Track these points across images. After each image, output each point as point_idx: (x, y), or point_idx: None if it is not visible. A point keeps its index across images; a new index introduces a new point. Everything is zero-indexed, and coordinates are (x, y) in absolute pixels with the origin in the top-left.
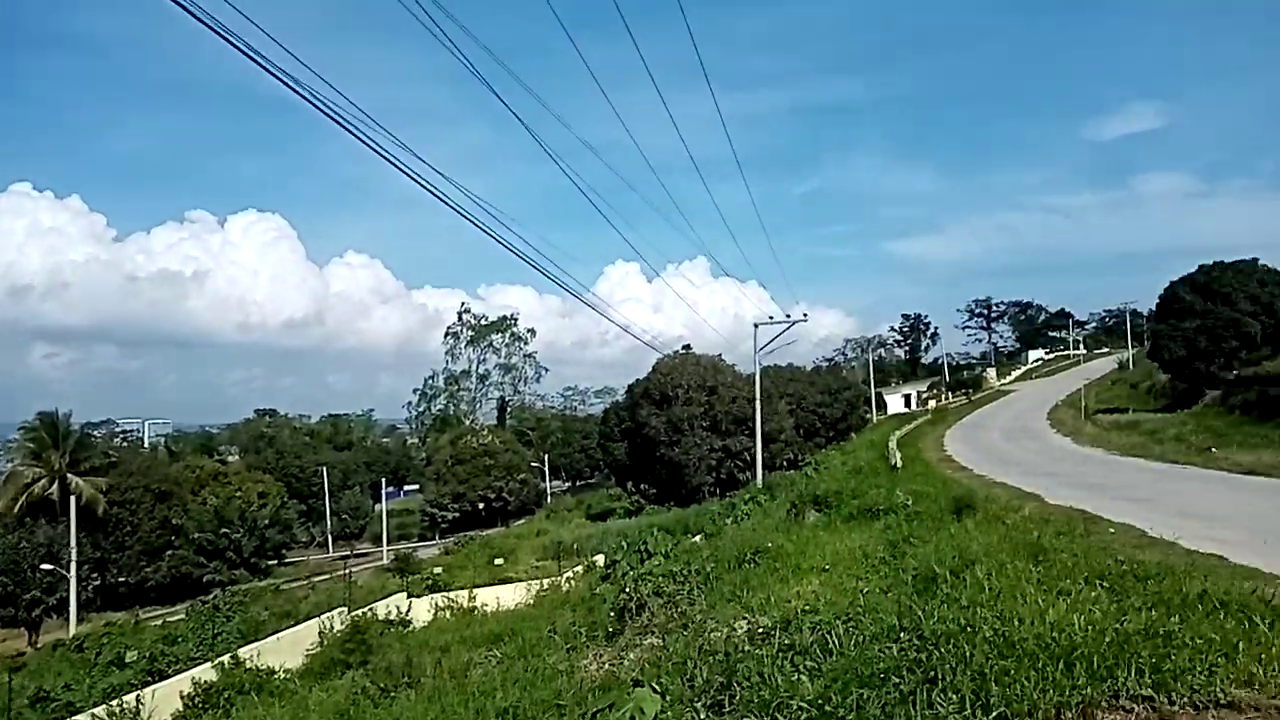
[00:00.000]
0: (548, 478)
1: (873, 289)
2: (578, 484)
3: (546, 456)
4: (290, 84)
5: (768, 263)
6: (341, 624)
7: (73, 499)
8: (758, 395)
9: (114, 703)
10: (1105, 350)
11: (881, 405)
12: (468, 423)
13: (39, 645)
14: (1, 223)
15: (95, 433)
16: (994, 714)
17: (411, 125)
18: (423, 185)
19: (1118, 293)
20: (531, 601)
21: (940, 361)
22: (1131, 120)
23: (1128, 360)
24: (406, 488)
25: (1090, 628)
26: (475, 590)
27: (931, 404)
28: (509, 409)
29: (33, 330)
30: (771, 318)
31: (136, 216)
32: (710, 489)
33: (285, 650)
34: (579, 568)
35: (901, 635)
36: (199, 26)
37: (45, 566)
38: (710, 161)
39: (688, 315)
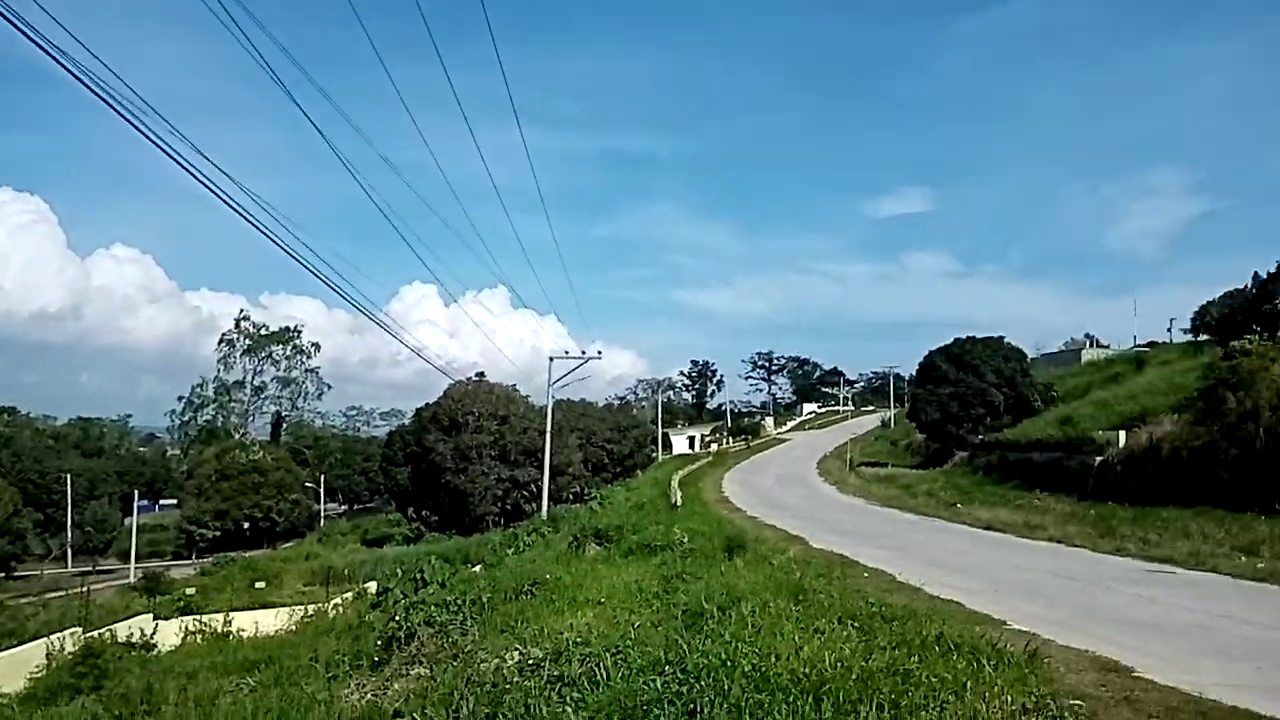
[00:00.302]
0: (323, 499)
1: (665, 334)
2: (355, 508)
3: (323, 477)
4: (52, 54)
5: (566, 299)
6: (74, 645)
7: None
8: (549, 427)
9: None
10: (871, 408)
11: (667, 445)
12: (237, 436)
13: None
14: None
15: None
16: None
17: (197, 116)
18: (201, 181)
19: (884, 356)
20: (294, 628)
21: (724, 407)
22: (903, 202)
23: (889, 419)
24: (163, 502)
25: (840, 664)
26: (232, 614)
27: (714, 447)
28: (285, 425)
29: None
30: (567, 352)
31: None
32: (495, 519)
33: (3, 672)
34: (349, 594)
35: (667, 668)
36: None
37: None
38: (515, 193)
39: (484, 343)
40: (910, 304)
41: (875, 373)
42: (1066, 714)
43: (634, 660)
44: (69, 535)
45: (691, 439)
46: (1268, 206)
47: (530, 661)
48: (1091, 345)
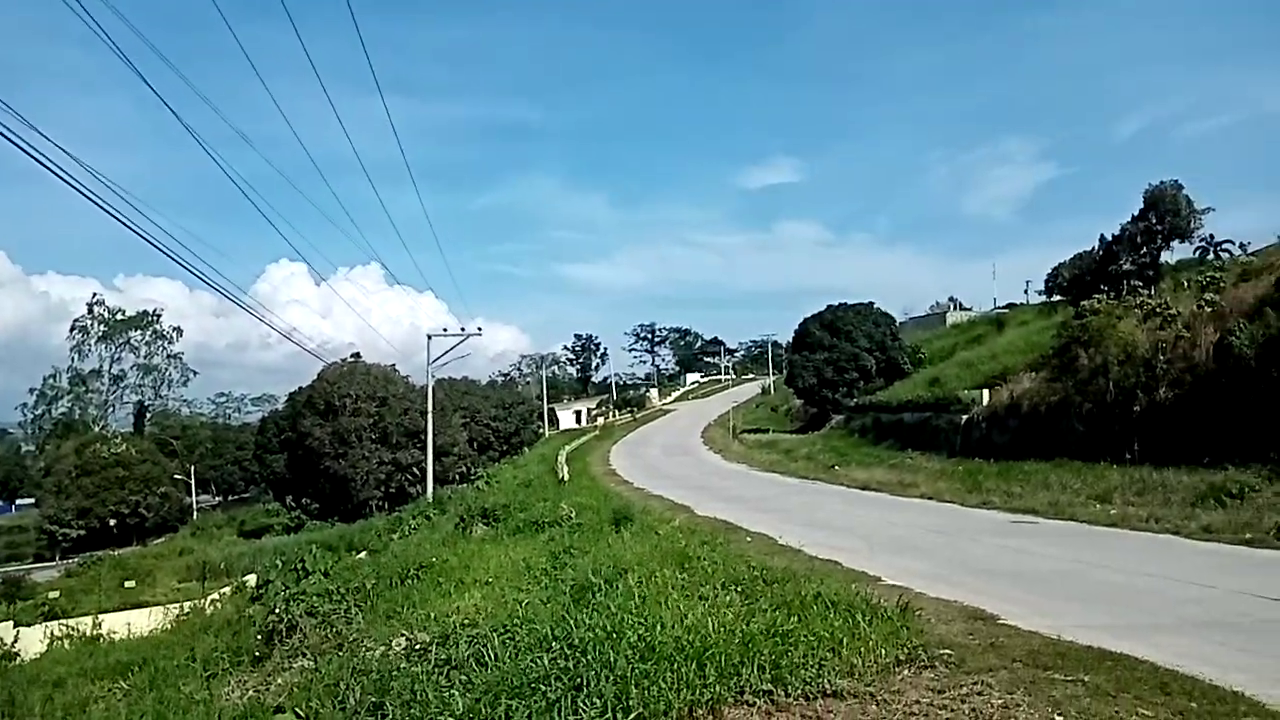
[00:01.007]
0: (194, 491)
1: (547, 308)
2: (230, 498)
3: (194, 468)
4: None
5: (443, 275)
6: None
7: None
8: (430, 407)
9: None
10: (751, 376)
11: (554, 421)
12: (97, 429)
13: None
14: None
15: None
16: (633, 715)
17: (32, 86)
18: (33, 157)
19: (763, 324)
20: (170, 627)
21: (609, 380)
22: (775, 172)
23: (769, 386)
24: (19, 501)
25: (722, 629)
26: (101, 616)
27: (600, 420)
28: (149, 415)
29: None
30: (446, 330)
31: None
32: (379, 503)
33: None
34: (227, 589)
35: (554, 644)
36: None
37: None
38: (385, 166)
39: (359, 323)
40: (786, 273)
41: (755, 341)
42: (937, 663)
43: (521, 639)
44: None
45: (578, 413)
46: (1111, 172)
47: (417, 646)
48: (955, 308)
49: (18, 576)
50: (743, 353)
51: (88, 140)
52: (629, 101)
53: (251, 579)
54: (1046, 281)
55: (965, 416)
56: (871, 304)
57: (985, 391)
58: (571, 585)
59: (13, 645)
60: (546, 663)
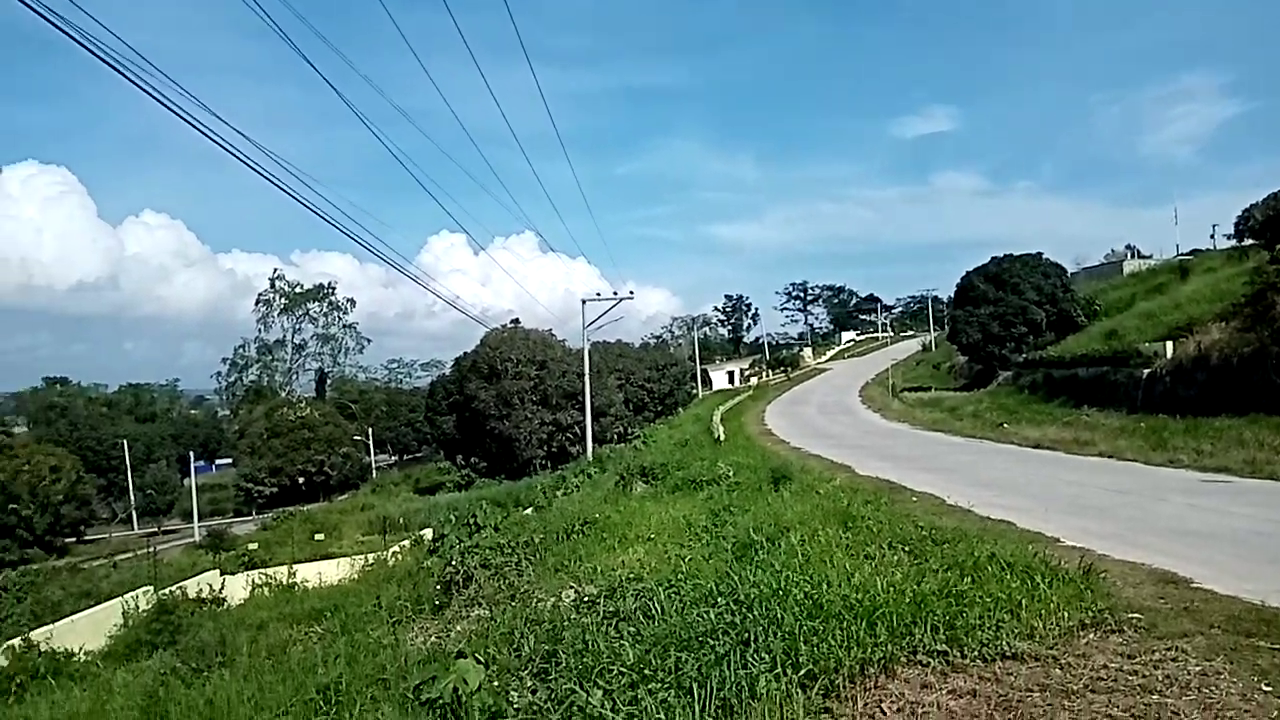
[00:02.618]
0: (372, 451)
1: (697, 269)
2: (404, 458)
3: (371, 430)
4: (56, 23)
5: (595, 241)
6: (147, 603)
7: None
8: (587, 370)
9: None
10: (910, 333)
11: (706, 381)
12: (283, 394)
13: None
14: None
15: None
16: (803, 671)
17: (210, 79)
18: (215, 140)
19: (921, 280)
20: (356, 577)
21: (761, 340)
22: (929, 121)
23: (930, 343)
24: (219, 461)
25: (892, 589)
26: (295, 566)
27: (753, 381)
28: (329, 381)
29: None
30: (599, 294)
31: None
32: (541, 462)
33: (85, 632)
34: (406, 542)
35: (719, 600)
36: None
37: None
38: (534, 137)
39: (516, 290)
40: (943, 225)
41: (913, 297)
42: (1125, 627)
43: (687, 593)
44: (132, 498)
45: (730, 374)
46: None
47: (585, 598)
48: (1133, 256)
49: (221, 530)
50: (900, 309)
51: (262, 125)
52: (773, 57)
53: (428, 533)
54: (1237, 225)
55: (1147, 370)
56: (1040, 255)
57: (1169, 344)
58: (733, 543)
59: (221, 591)
60: (713, 617)
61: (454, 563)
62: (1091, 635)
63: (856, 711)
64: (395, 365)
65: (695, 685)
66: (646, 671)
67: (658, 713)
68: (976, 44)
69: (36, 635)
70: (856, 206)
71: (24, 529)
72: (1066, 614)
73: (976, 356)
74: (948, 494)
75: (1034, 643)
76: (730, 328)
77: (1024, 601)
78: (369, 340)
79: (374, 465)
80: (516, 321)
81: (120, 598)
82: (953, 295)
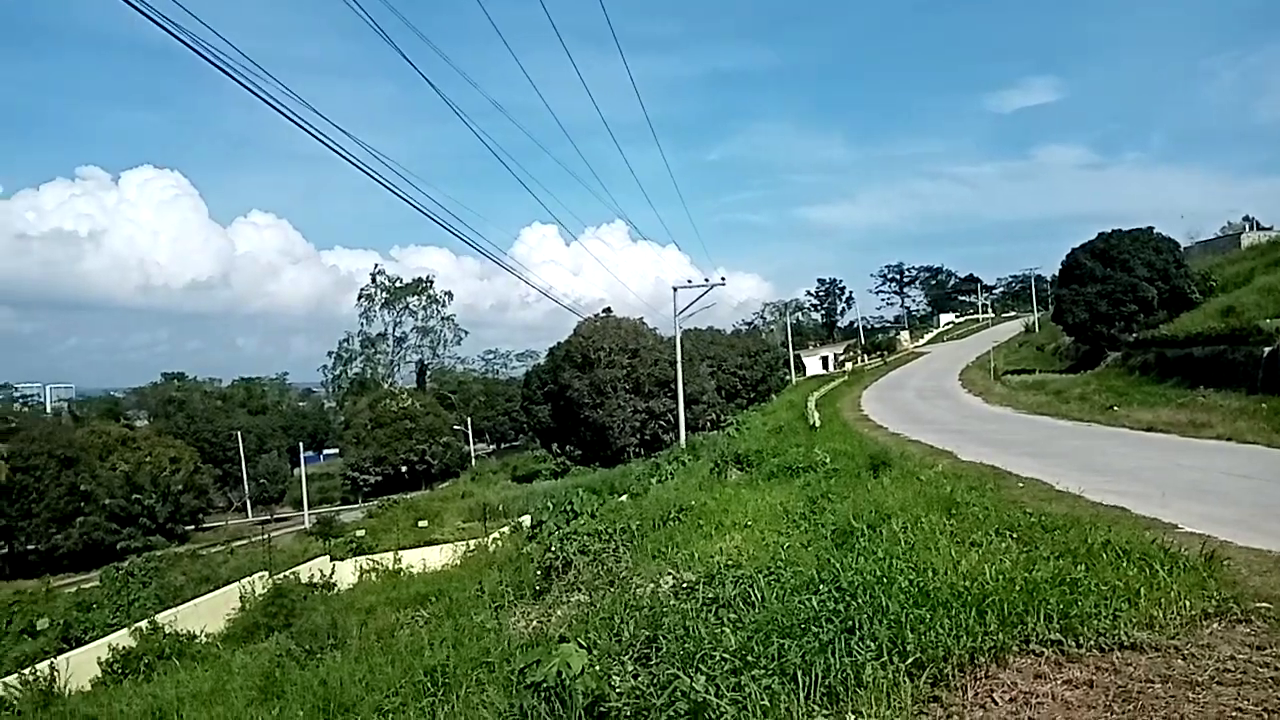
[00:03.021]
0: (471, 440)
1: (788, 254)
2: (502, 446)
3: (469, 419)
4: (169, 28)
5: (685, 227)
6: (263, 588)
7: None
8: (679, 358)
9: (27, 670)
10: (1012, 314)
11: (800, 367)
12: (386, 386)
13: None
14: None
15: None
16: (910, 659)
17: (313, 79)
18: (320, 139)
19: (1022, 259)
20: (458, 562)
21: (856, 324)
22: (1029, 94)
23: (1033, 323)
24: (326, 451)
25: (1001, 576)
26: (400, 552)
27: (848, 366)
28: (428, 372)
29: None
30: (690, 281)
31: (22, 172)
32: (635, 450)
33: (205, 615)
34: (505, 529)
35: (821, 587)
36: None
37: None
38: (622, 126)
39: (608, 279)
40: (1046, 201)
41: (1014, 276)
42: (1254, 617)
43: (787, 580)
44: (246, 487)
45: (824, 359)
46: None
47: (684, 585)
48: (1252, 228)
49: (329, 517)
50: (1001, 289)
51: (362, 124)
52: (863, 33)
53: (526, 520)
54: None
55: (1268, 349)
56: (1150, 229)
57: None
58: (832, 530)
59: (331, 576)
60: (815, 604)
61: (553, 549)
62: (1215, 625)
63: (967, 701)
64: (491, 356)
65: (799, 672)
66: (749, 658)
67: (762, 699)
68: (1078, 10)
69: (162, 618)
70: (953, 184)
71: (147, 517)
72: (1188, 603)
73: (1083, 337)
74: (1056, 479)
75: (1154, 632)
76: (823, 312)
77: (1142, 590)
78: (466, 332)
79: (473, 454)
80: (608, 310)
81: (237, 582)
82: (1057, 274)
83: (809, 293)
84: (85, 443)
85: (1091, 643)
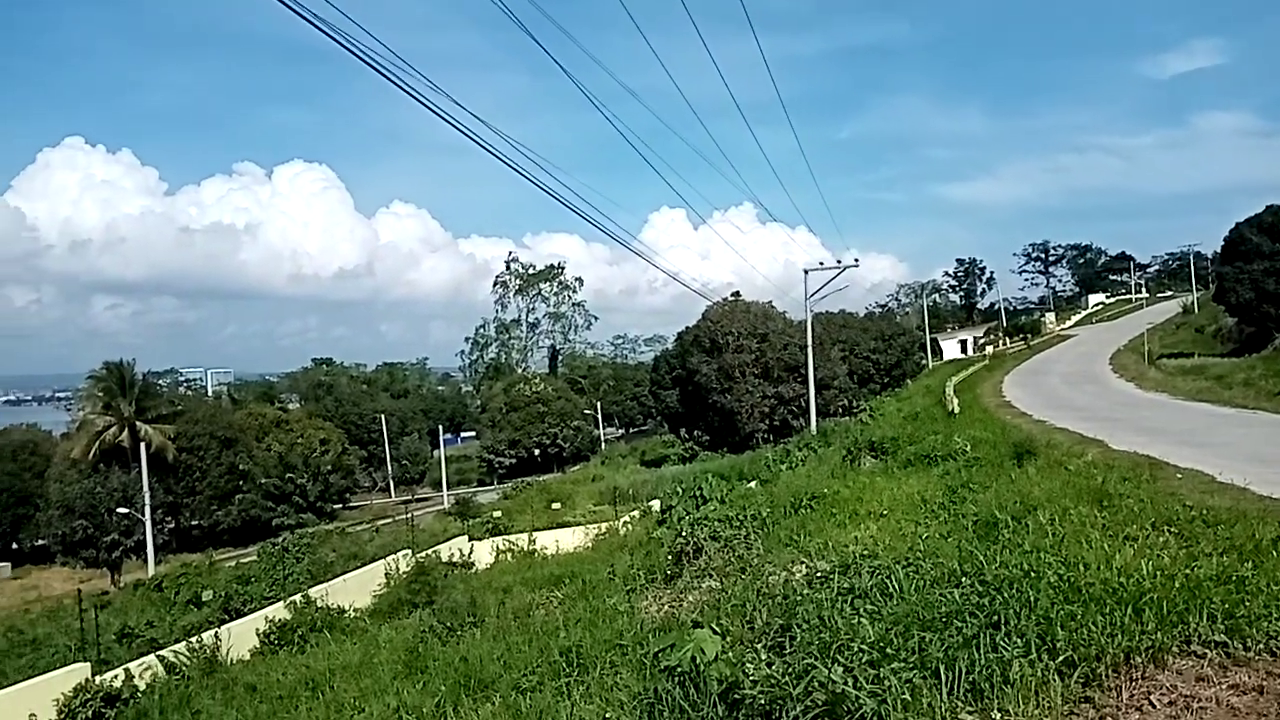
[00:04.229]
0: (600, 424)
1: (924, 233)
2: (631, 431)
3: (599, 404)
4: (322, 27)
5: (816, 208)
6: (406, 565)
7: (143, 446)
8: (810, 342)
9: (193, 639)
10: (1169, 294)
11: (937, 351)
12: (520, 371)
13: (121, 585)
14: (56, 176)
15: (160, 382)
16: (1060, 658)
17: (448, 72)
18: (460, 130)
19: (1180, 234)
20: (590, 545)
21: (997, 306)
22: (1190, 57)
23: (1192, 304)
24: (463, 434)
25: (1159, 573)
26: (535, 533)
27: (989, 349)
28: (560, 357)
29: (93, 283)
30: (822, 263)
31: (185, 169)
32: (764, 436)
33: (353, 590)
34: (635, 512)
35: (963, 580)
36: None
37: (121, 510)
38: (752, 106)
39: (736, 262)
40: (1207, 172)
41: (1171, 254)
42: None
43: (926, 572)
44: (389, 468)
45: (963, 342)
46: None
47: (818, 574)
48: None
49: (467, 498)
50: (1156, 267)
51: (496, 113)
52: (1000, 4)
53: (656, 504)
54: None
55: None
56: None
57: None
58: (974, 521)
59: (469, 556)
60: (958, 597)
61: (684, 534)
62: None
63: (1121, 703)
64: (621, 341)
65: (942, 667)
66: (888, 650)
67: (903, 693)
68: None
69: (314, 592)
70: (1102, 155)
71: (299, 495)
72: None
73: (1248, 318)
74: (1218, 471)
75: None
76: (962, 294)
77: None
78: (596, 317)
79: (602, 438)
80: (737, 294)
81: (383, 560)
82: (1219, 250)
83: (947, 273)
84: (243, 424)
85: (1261, 645)
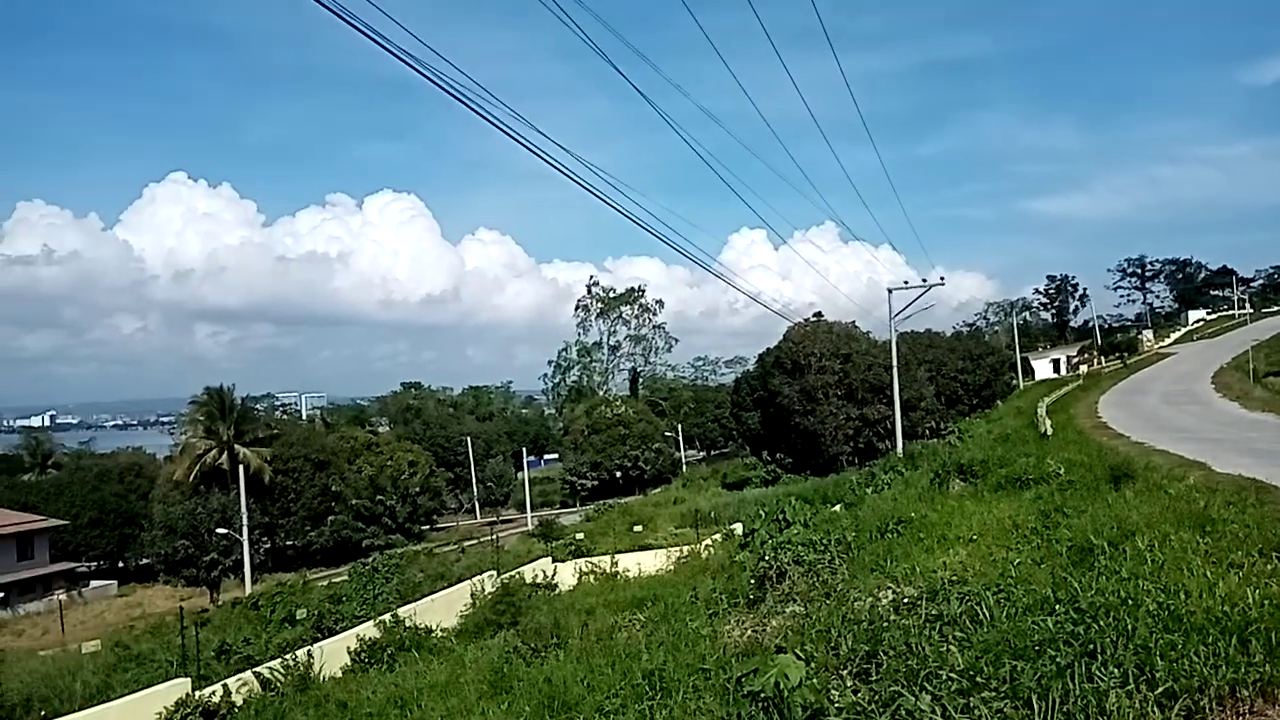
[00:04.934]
0: (682, 447)
1: (1013, 250)
2: (712, 453)
3: (680, 426)
4: (412, 63)
5: (899, 226)
6: (491, 586)
7: (241, 468)
8: (894, 362)
9: (288, 656)
10: (1275, 309)
11: (1028, 371)
12: (601, 393)
13: (219, 603)
14: (161, 210)
15: (257, 406)
16: (1160, 689)
17: (531, 101)
18: (544, 158)
19: None
20: (672, 568)
21: (1091, 324)
22: None
23: None
24: (546, 456)
25: (1266, 602)
26: (617, 556)
27: (1083, 369)
28: (641, 379)
29: (195, 311)
30: (906, 282)
31: (282, 201)
32: (848, 458)
33: (440, 610)
34: (717, 535)
35: (1057, 607)
36: (320, 13)
37: (220, 531)
38: (831, 124)
39: (818, 282)
40: None
41: (1276, 267)
42: None
43: (1018, 599)
44: (474, 490)
45: (1055, 362)
46: None
47: (905, 600)
48: None
49: (550, 519)
50: (1261, 281)
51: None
52: (1092, 10)
53: (738, 527)
54: None
55: None
56: None
57: None
58: (1068, 546)
59: (552, 577)
60: (1051, 625)
61: (766, 558)
62: None
63: None
64: (701, 363)
65: (1034, 697)
66: (978, 679)
67: None
68: None
69: (403, 612)
70: (1201, 167)
71: (388, 517)
72: None
73: None
74: None
75: None
76: (1054, 311)
77: None
78: (676, 339)
79: (683, 460)
80: (819, 315)
81: (468, 580)
82: None
83: (1037, 291)
84: (335, 447)
85: None
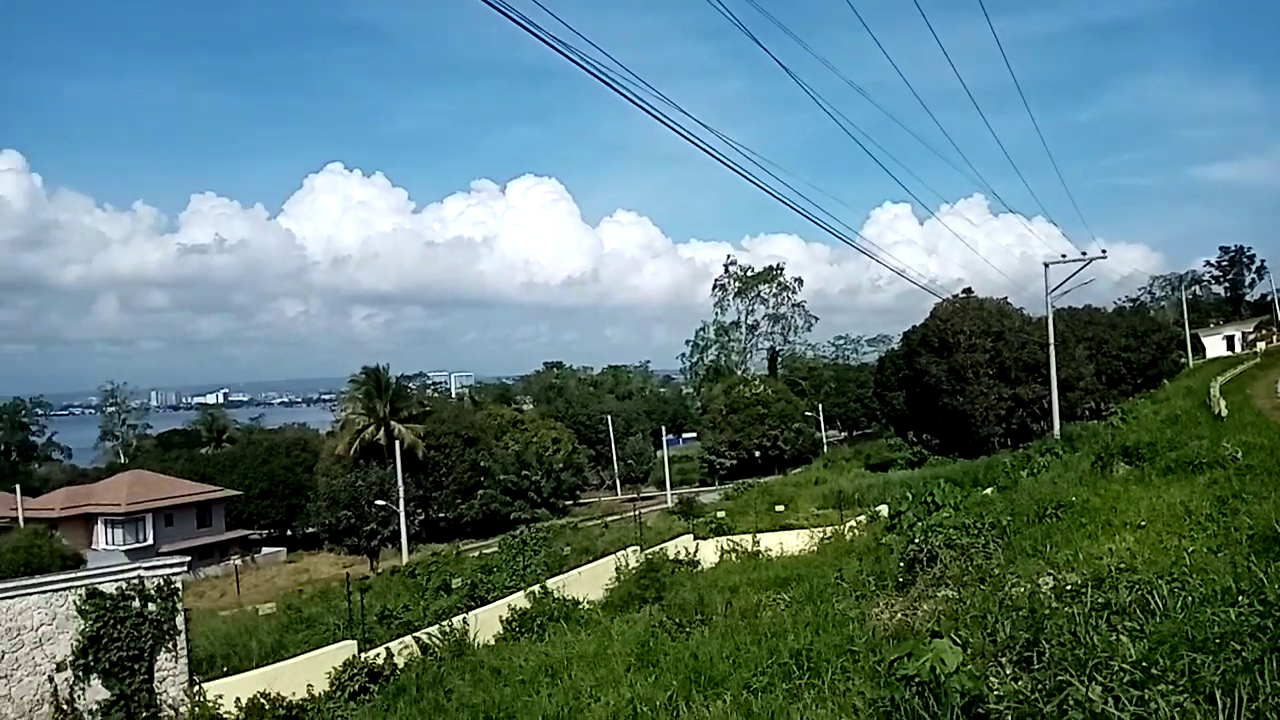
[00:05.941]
0: (823, 427)
1: (1181, 220)
2: (854, 433)
3: (820, 405)
4: (558, 47)
5: (1056, 196)
6: (635, 561)
7: (397, 444)
8: (1051, 340)
9: (444, 623)
10: None
11: (1198, 348)
12: (739, 373)
13: (378, 570)
14: (320, 199)
15: (410, 385)
16: None
17: (670, 81)
18: (687, 137)
19: None
20: (815, 549)
21: (1270, 298)
22: None
23: None
24: (685, 435)
25: None
26: (758, 535)
27: (1260, 346)
28: (780, 358)
29: (352, 295)
30: (1064, 256)
31: (430, 188)
32: (1000, 440)
33: (586, 583)
34: (861, 517)
35: (1240, 599)
36: (462, 4)
37: (379, 502)
38: (982, 93)
39: (966, 256)
40: None
41: None
42: None
43: (1194, 589)
44: (615, 467)
45: (1229, 339)
46: None
47: (1068, 587)
48: None
49: (689, 498)
50: None
51: (715, 118)
52: None
53: (883, 509)
54: None
55: None
56: None
57: None
58: (1250, 534)
59: (695, 554)
60: (1233, 617)
61: (916, 540)
62: None
63: None
64: (842, 341)
65: (1218, 692)
66: (1154, 671)
67: (1172, 717)
68: None
69: (551, 583)
70: None
71: (534, 491)
72: None
73: None
74: None
75: None
76: (1227, 285)
77: None
78: (816, 318)
79: (824, 440)
80: (968, 291)
81: (612, 555)
82: None
83: (1209, 263)
84: (483, 424)
85: None
